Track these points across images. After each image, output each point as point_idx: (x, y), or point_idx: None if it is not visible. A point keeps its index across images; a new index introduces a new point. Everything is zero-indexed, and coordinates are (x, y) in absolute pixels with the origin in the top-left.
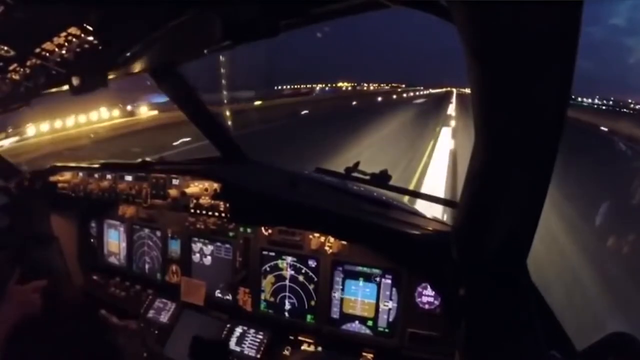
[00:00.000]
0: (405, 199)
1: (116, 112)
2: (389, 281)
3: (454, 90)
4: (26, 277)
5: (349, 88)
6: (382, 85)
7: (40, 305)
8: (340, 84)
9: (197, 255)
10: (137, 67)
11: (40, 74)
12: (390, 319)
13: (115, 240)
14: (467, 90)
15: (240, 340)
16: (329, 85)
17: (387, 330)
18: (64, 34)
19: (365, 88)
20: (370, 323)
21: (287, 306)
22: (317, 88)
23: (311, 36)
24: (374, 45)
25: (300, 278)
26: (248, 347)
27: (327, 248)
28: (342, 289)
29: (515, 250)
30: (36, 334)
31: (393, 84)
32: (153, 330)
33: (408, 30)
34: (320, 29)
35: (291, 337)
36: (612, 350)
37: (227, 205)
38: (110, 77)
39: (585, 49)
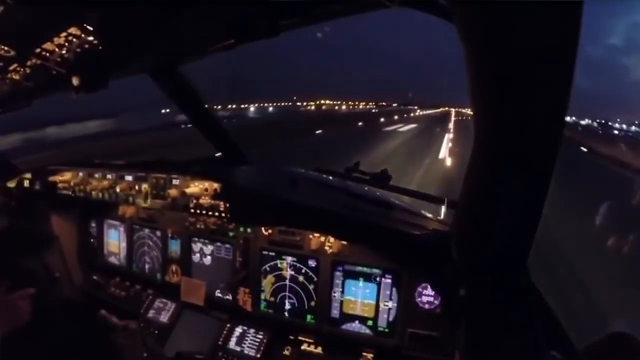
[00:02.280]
0: (405, 199)
1: None
2: (389, 281)
3: (452, 111)
4: (24, 279)
5: (312, 108)
6: (369, 104)
7: (28, 313)
8: (319, 102)
9: (197, 255)
10: (137, 67)
11: (40, 74)
12: (390, 319)
13: (115, 240)
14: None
15: (240, 340)
16: (293, 103)
17: (387, 330)
18: (64, 34)
19: (337, 108)
20: (370, 323)
21: (287, 306)
22: (251, 109)
23: (302, 50)
24: (370, 61)
25: (300, 278)
26: (248, 347)
27: (327, 248)
28: (342, 289)
29: (516, 250)
30: (36, 334)
31: (381, 103)
32: (153, 330)
33: (407, 46)
34: (315, 38)
35: (291, 337)
36: (612, 350)
37: (227, 205)
38: (110, 77)
39: (585, 69)
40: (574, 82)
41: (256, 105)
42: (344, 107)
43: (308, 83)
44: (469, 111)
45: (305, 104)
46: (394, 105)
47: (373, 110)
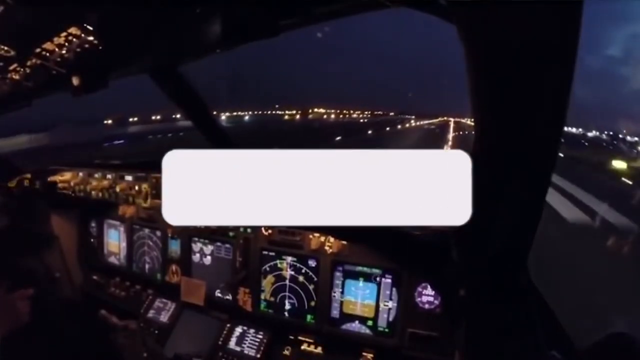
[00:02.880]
0: None
1: None
2: (389, 281)
3: (452, 122)
4: (24, 279)
5: (296, 118)
6: (364, 113)
7: (28, 313)
8: (310, 110)
9: (197, 255)
10: (137, 67)
11: (40, 74)
12: (390, 319)
13: (115, 240)
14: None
15: (240, 340)
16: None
17: (387, 330)
18: (64, 34)
19: (325, 117)
20: (370, 323)
21: (287, 306)
22: (223, 118)
23: (301, 51)
24: (371, 63)
25: (300, 278)
26: (248, 347)
27: (327, 248)
28: (342, 289)
29: (516, 250)
30: (36, 334)
31: (377, 112)
32: (153, 330)
33: (407, 48)
34: (315, 38)
35: (291, 337)
36: (612, 350)
37: None
38: (110, 77)
39: (583, 79)
40: (573, 92)
41: (228, 114)
42: (332, 116)
43: (307, 86)
44: (469, 122)
45: (295, 112)
46: (391, 114)
47: (361, 121)
